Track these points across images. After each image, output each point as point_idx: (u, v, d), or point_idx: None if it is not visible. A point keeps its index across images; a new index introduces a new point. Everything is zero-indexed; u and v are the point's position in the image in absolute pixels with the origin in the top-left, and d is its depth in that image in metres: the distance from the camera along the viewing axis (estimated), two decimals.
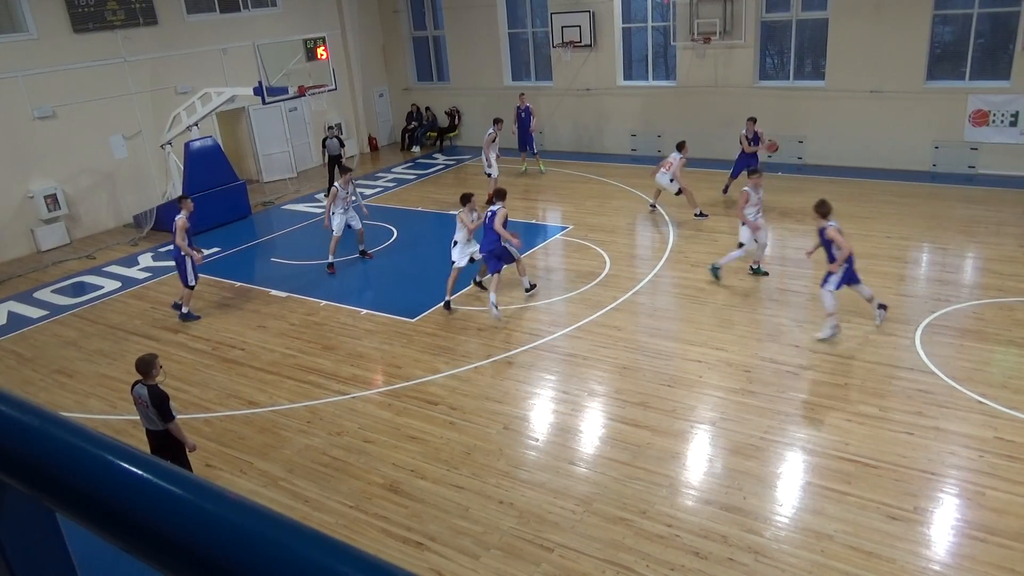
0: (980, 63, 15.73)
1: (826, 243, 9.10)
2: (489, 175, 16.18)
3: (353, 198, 13.01)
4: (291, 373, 9.64)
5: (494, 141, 16.25)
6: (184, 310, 11.46)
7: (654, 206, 14.85)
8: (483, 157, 16.44)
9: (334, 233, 12.85)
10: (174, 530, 0.85)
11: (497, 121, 16.74)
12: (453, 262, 10.86)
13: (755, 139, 14.73)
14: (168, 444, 6.69)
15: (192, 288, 11.34)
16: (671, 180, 14.00)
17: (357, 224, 13.08)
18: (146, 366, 6.56)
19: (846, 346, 9.10)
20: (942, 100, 15.65)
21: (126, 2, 16.49)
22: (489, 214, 10.55)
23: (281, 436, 8.24)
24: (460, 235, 10.86)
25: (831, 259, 9.06)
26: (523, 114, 17.97)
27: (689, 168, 14.61)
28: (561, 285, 11.66)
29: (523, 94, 18.60)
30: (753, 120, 14.78)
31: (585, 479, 7.14)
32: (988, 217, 13.19)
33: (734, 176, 15.11)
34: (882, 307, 9.53)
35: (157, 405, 6.50)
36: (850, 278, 9.16)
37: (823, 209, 9.09)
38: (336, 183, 13.06)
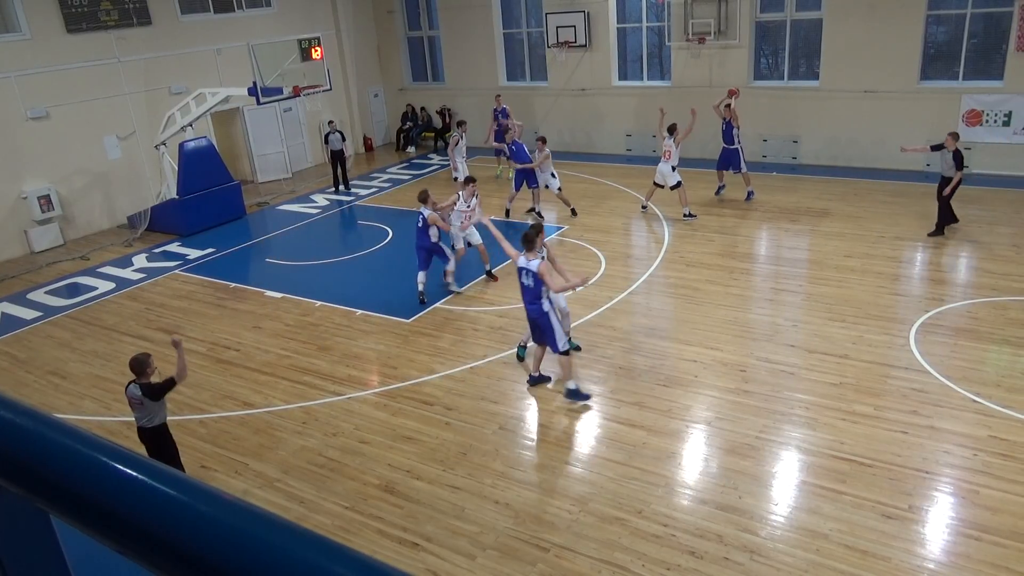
0: (973, 63, 15.79)
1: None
2: (456, 179, 16.22)
3: (473, 210, 11.55)
4: (286, 374, 9.62)
5: (457, 144, 16.21)
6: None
7: (646, 207, 14.83)
8: (450, 161, 16.59)
9: (456, 248, 11.67)
10: (168, 532, 0.85)
11: (460, 124, 16.91)
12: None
13: (729, 126, 14.55)
14: (160, 442, 6.75)
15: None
16: (673, 169, 14.04)
17: (476, 239, 11.84)
18: (140, 365, 6.58)
19: (841, 346, 9.12)
20: (936, 100, 15.70)
21: (120, 2, 16.44)
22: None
23: (276, 437, 8.23)
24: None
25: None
26: (500, 116, 17.73)
27: (684, 168, 14.62)
28: None
29: (499, 96, 18.45)
30: (728, 106, 14.63)
31: (581, 479, 7.14)
32: (981, 216, 13.23)
33: (721, 169, 15.08)
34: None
35: (150, 395, 6.54)
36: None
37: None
38: (459, 193, 11.64)
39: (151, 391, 6.53)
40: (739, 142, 14.70)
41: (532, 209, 14.97)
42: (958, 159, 12.18)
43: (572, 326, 10.07)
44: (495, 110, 17.96)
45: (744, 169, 14.83)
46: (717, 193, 15.38)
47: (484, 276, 12.01)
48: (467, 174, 15.65)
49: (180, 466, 6.97)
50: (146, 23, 16.98)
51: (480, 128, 19.27)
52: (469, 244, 11.92)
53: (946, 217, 12.51)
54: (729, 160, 14.86)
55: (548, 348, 8.45)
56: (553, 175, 14.49)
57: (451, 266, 11.45)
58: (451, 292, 11.51)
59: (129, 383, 6.68)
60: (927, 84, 15.92)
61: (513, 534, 6.43)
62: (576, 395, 8.30)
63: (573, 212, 14.76)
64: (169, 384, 6.56)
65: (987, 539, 5.98)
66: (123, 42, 16.62)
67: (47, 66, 15.43)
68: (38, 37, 15.32)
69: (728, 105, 14.64)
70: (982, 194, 14.44)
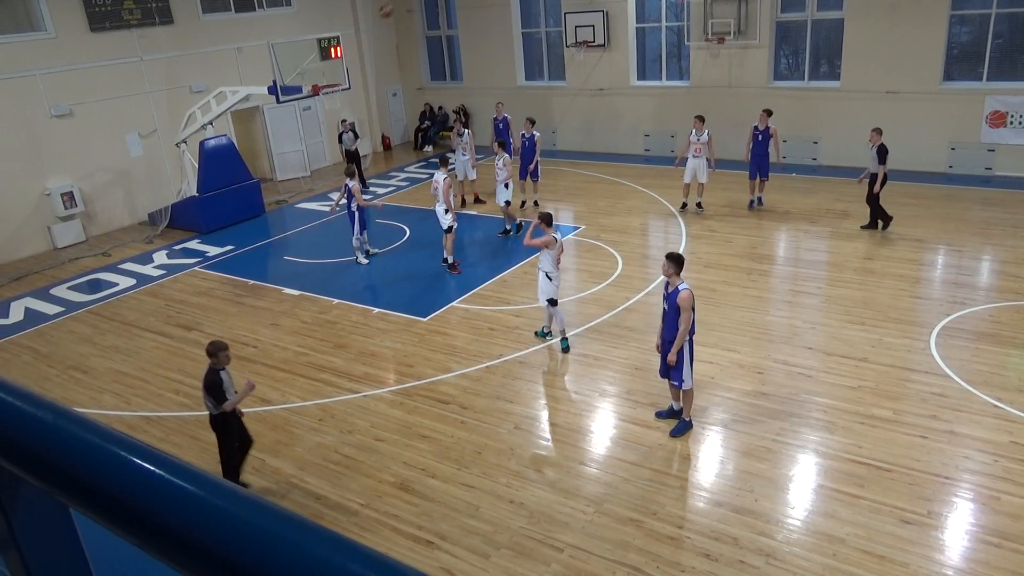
0: (998, 64, 15.58)
1: None
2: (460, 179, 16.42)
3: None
4: (303, 371, 9.68)
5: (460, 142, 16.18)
6: None
7: (700, 204, 14.56)
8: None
9: (454, 227, 12.37)
10: (186, 526, 0.86)
11: (456, 123, 17.35)
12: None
13: (766, 135, 14.07)
14: (217, 429, 7.00)
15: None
16: (708, 162, 14.12)
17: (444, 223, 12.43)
18: (212, 350, 6.83)
19: (860, 349, 9.04)
20: (959, 101, 15.51)
21: (142, 1, 16.61)
22: None
23: (293, 434, 8.28)
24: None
25: None
26: (500, 125, 16.35)
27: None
28: (573, 285, 11.63)
29: (500, 103, 16.86)
30: (768, 112, 14.16)
31: (596, 479, 7.13)
32: (1005, 219, 13.06)
33: (753, 177, 14.41)
34: None
35: (203, 385, 6.85)
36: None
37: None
38: (443, 176, 12.20)
39: (205, 382, 6.81)
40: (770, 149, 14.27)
41: (523, 203, 15.64)
42: (882, 154, 12.31)
43: (587, 326, 10.07)
44: (495, 119, 16.61)
45: (768, 178, 14.51)
46: (751, 206, 14.64)
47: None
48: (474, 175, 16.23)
49: (231, 451, 7.13)
50: (168, 22, 17.15)
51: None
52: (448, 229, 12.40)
53: (879, 213, 12.71)
54: (760, 166, 14.28)
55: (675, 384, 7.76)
56: (506, 186, 13.86)
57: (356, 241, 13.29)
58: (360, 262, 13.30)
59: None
60: (950, 85, 15.73)
61: (527, 533, 6.43)
62: (681, 428, 7.76)
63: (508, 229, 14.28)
64: (213, 399, 6.78)
65: (1007, 546, 5.91)
66: (145, 41, 16.79)
67: (71, 64, 15.62)
68: (62, 35, 15.51)
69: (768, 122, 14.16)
70: (1005, 196, 14.25)
